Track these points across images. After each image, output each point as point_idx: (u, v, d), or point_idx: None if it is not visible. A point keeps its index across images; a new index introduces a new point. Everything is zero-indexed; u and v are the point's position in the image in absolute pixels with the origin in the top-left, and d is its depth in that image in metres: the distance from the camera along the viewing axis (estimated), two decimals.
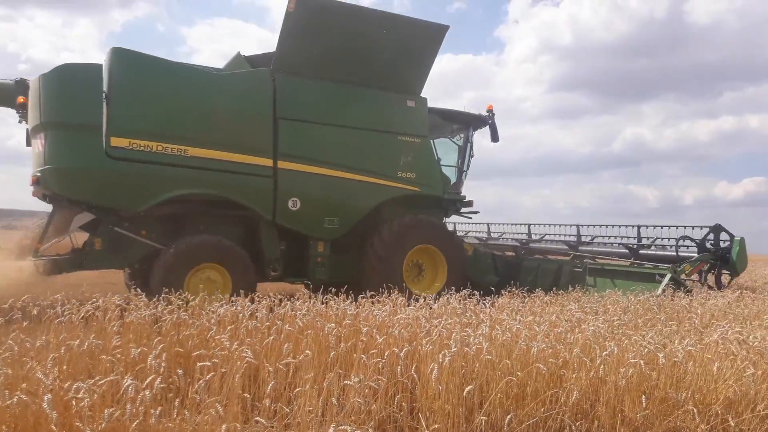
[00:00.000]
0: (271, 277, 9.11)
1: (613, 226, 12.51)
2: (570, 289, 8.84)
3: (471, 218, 11.86)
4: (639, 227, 11.87)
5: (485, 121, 11.24)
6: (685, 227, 11.00)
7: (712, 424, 3.49)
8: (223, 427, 2.49)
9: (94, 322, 4.79)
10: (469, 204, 11.29)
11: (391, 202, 9.93)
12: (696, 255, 10.36)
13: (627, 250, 11.73)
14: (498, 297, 7.32)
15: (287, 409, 3.09)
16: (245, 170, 8.58)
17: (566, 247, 13.02)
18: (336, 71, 9.32)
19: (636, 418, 3.51)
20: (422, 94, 10.25)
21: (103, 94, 7.77)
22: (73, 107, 7.80)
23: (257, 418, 2.78)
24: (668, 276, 9.47)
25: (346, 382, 3.13)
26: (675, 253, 10.70)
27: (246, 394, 3.23)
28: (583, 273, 10.98)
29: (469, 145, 11.46)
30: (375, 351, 3.88)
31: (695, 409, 3.39)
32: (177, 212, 8.52)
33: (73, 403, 2.68)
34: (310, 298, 6.00)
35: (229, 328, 4.36)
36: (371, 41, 9.34)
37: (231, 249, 8.44)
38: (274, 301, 5.75)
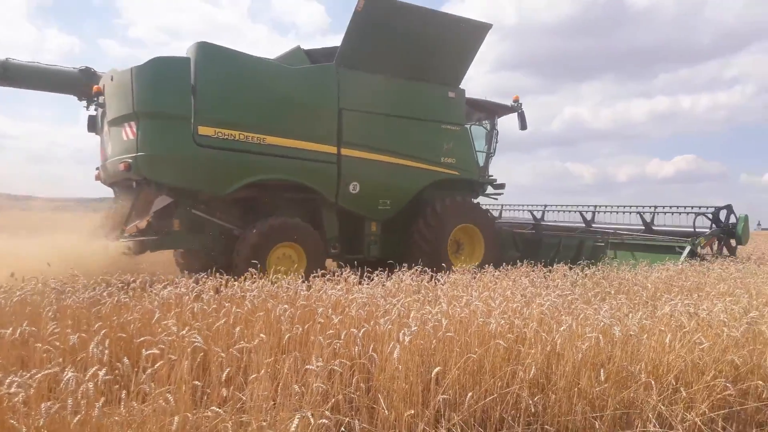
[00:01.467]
0: (331, 255, 10.03)
1: (626, 206, 14.14)
2: (591, 262, 9.77)
3: (497, 199, 13.01)
4: (655, 207, 13.44)
5: (512, 109, 12.29)
6: (699, 207, 12.68)
7: (665, 394, 3.58)
8: (175, 418, 2.36)
9: (29, 308, 4.53)
10: (502, 186, 12.52)
11: (434, 185, 10.93)
12: (708, 230, 12.09)
13: (643, 226, 13.24)
14: (450, 273, 7.34)
15: (241, 396, 2.98)
16: (314, 157, 9.45)
17: (583, 224, 14.42)
18: (390, 65, 10.16)
19: (592, 392, 3.58)
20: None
21: (191, 86, 8.47)
22: (165, 98, 8.43)
23: (212, 407, 2.65)
24: (688, 248, 11.16)
25: (308, 366, 3.03)
26: (689, 229, 12.37)
27: (197, 382, 3.10)
28: (604, 247, 12.54)
29: (495, 131, 12.61)
30: (331, 332, 3.80)
31: (650, 381, 3.48)
32: (250, 196, 9.27)
33: (6, 398, 2.50)
34: (260, 278, 5.85)
35: (174, 311, 4.19)
36: (424, 38, 10.20)
37: (306, 229, 9.31)
38: (220, 282, 5.59)
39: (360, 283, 5.95)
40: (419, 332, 3.70)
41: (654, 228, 13.09)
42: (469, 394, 3.26)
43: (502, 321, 4.06)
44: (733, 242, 12.43)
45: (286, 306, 4.28)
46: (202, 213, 9.02)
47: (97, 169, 10.34)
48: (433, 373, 3.22)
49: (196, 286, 5.06)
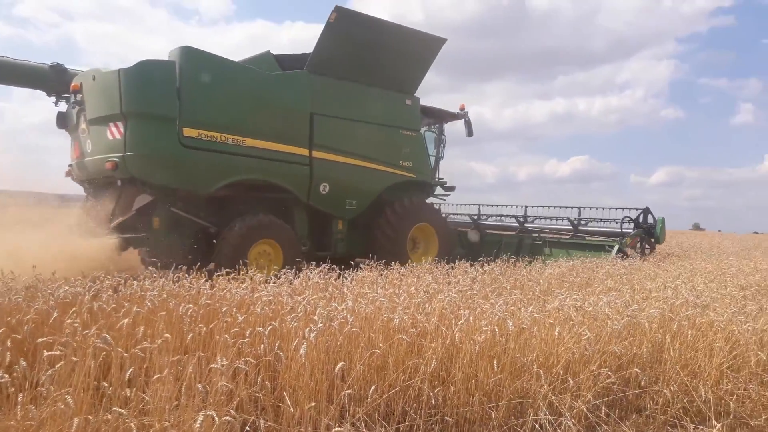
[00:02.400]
0: (302, 252, 10.41)
1: (555, 206, 15.81)
2: (530, 258, 10.66)
3: (444, 200, 14.14)
4: (580, 208, 15.17)
5: (458, 116, 13.44)
6: (618, 208, 14.66)
7: (554, 384, 3.86)
8: (74, 420, 2.32)
9: None
10: (452, 188, 13.68)
11: (393, 186, 11.77)
12: (632, 230, 13.73)
13: (570, 226, 14.84)
14: (357, 271, 7.47)
15: (144, 396, 2.95)
16: (288, 159, 10.10)
17: (516, 224, 15.63)
18: (356, 73, 10.93)
19: (488, 383, 3.80)
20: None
21: (176, 89, 8.83)
22: (153, 100, 8.78)
23: (115, 408, 2.61)
24: (616, 247, 12.75)
25: (212, 365, 3.04)
26: (612, 229, 14.22)
27: (103, 383, 3.03)
28: (541, 245, 14.07)
29: (443, 137, 13.72)
30: (236, 330, 3.81)
31: (540, 371, 3.76)
32: (226, 195, 9.74)
33: None
34: (160, 276, 5.73)
35: (71, 310, 4.03)
36: (387, 49, 11.10)
37: (282, 227, 10.01)
38: (119, 281, 5.42)
39: (267, 281, 5.95)
40: (325, 329, 3.79)
41: (580, 229, 14.78)
42: (372, 388, 3.38)
43: (406, 317, 4.23)
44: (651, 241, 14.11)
45: (190, 305, 4.24)
46: (181, 211, 9.35)
47: (70, 165, 10.47)
48: (337, 369, 3.32)
49: (93, 285, 4.89)
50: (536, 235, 14.75)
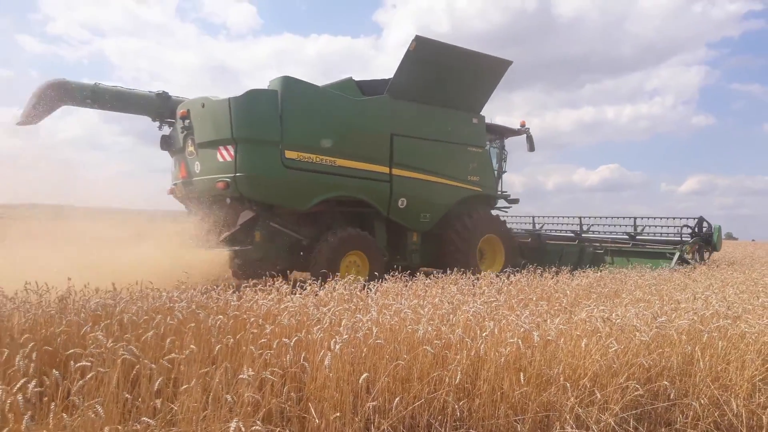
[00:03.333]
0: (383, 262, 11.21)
1: (608, 217, 16.68)
2: (591, 266, 11.89)
3: (506, 212, 14.68)
4: (635, 218, 16.16)
5: (519, 132, 14.42)
6: (672, 217, 15.67)
7: (581, 397, 3.83)
8: (106, 429, 2.39)
9: None
10: (516, 201, 14.44)
11: (462, 200, 12.61)
12: (690, 239, 14.59)
13: (627, 236, 15.76)
14: (382, 282, 7.50)
15: (173, 406, 3.01)
16: (372, 176, 11.01)
17: (573, 234, 16.64)
18: (431, 96, 11.84)
19: (514, 395, 3.78)
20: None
21: (279, 116, 9.84)
22: (260, 126, 9.80)
23: (144, 418, 2.67)
24: (677, 254, 13.66)
25: (241, 376, 3.08)
26: (672, 238, 15.10)
27: (126, 395, 3.10)
28: (602, 254, 15.03)
29: (505, 152, 14.63)
30: (263, 341, 3.86)
31: (567, 384, 3.73)
32: (317, 210, 10.65)
33: None
34: (192, 288, 5.83)
35: (103, 323, 4.13)
36: (459, 72, 11.96)
37: (368, 239, 10.96)
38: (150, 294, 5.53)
39: (293, 293, 6.01)
40: (350, 340, 3.81)
41: (637, 238, 15.69)
42: (397, 399, 3.39)
43: (430, 328, 4.23)
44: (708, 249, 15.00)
45: (220, 316, 4.30)
46: (278, 225, 10.32)
47: (174, 184, 11.59)
48: (362, 380, 3.34)
49: (123, 297, 5.00)
50: (597, 244, 15.60)
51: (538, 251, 14.80)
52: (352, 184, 10.71)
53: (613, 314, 4.99)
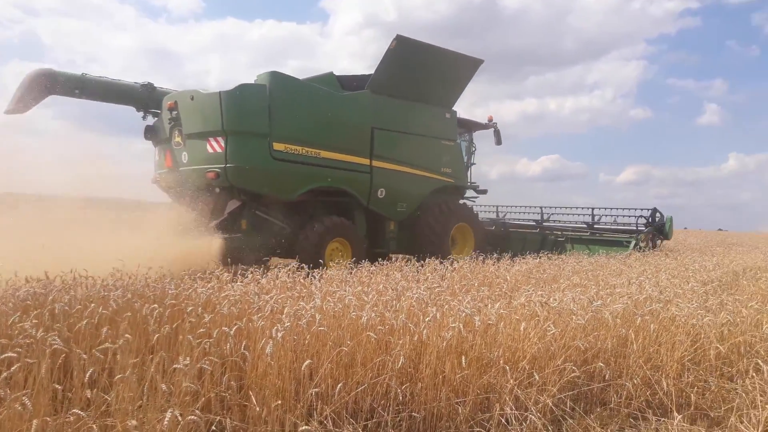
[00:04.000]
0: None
1: (568, 207, 18.02)
2: (554, 252, 12.74)
3: (474, 201, 15.40)
4: (593, 209, 17.28)
5: (486, 126, 15.22)
6: (627, 209, 16.84)
7: (519, 379, 3.92)
8: (33, 422, 2.29)
9: None
10: (484, 191, 15.24)
11: (435, 190, 13.32)
12: (644, 228, 15.77)
13: (585, 225, 16.98)
14: (326, 269, 7.48)
15: (107, 397, 2.92)
16: (354, 168, 11.59)
17: (534, 223, 17.76)
18: (408, 91, 12.48)
19: (455, 378, 3.84)
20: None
21: (267, 109, 10.28)
22: (250, 119, 10.21)
23: (75, 410, 2.58)
24: (633, 242, 14.80)
25: (176, 365, 3.01)
26: (626, 226, 16.29)
27: (57, 386, 2.98)
28: (564, 241, 15.95)
29: (473, 145, 15.38)
30: (202, 330, 3.78)
31: (506, 366, 3.81)
32: (301, 199, 11.07)
33: None
34: (129, 277, 5.66)
35: (34, 313, 3.95)
36: (434, 69, 12.65)
37: (351, 227, 11.60)
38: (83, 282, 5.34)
39: (234, 281, 5.91)
40: (293, 328, 3.78)
41: (594, 227, 16.89)
42: (339, 385, 3.39)
43: (374, 314, 4.24)
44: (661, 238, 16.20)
45: (155, 305, 4.19)
46: (263, 214, 10.78)
47: (159, 174, 11.90)
48: (304, 367, 3.32)
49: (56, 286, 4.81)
50: (558, 232, 16.63)
51: (502, 238, 15.68)
52: (335, 175, 11.24)
53: (551, 299, 5.12)
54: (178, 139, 11.02)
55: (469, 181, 14.93)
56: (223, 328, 3.73)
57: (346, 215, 11.72)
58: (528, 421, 3.66)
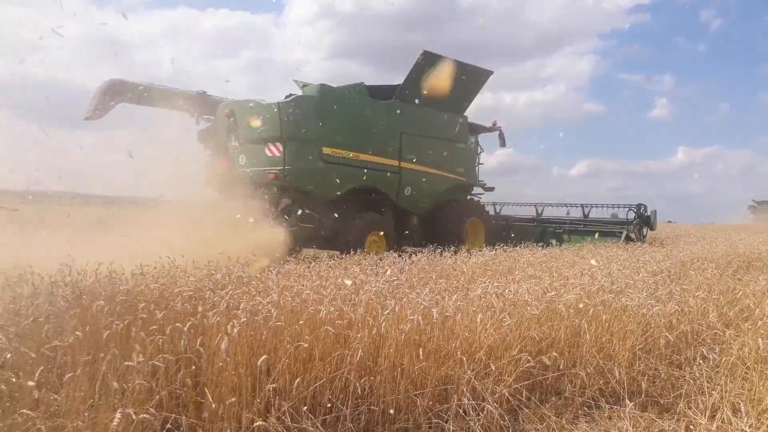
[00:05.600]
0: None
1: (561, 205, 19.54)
2: (552, 243, 15.11)
3: (480, 197, 17.10)
4: (582, 205, 18.83)
5: (491, 130, 16.69)
6: (616, 206, 18.55)
7: (476, 369, 3.98)
8: None
9: None
10: (491, 189, 16.96)
11: (451, 188, 15.01)
12: (633, 220, 17.37)
13: (582, 218, 18.47)
14: (285, 264, 7.44)
15: (57, 397, 2.84)
16: (386, 169, 13.16)
17: (533, 217, 19.42)
18: (429, 100, 13.88)
19: (413, 370, 3.87)
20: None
21: (318, 118, 11.76)
22: (304, 127, 11.65)
23: (22, 411, 2.50)
24: (624, 233, 16.46)
25: (128, 363, 2.95)
26: (614, 219, 18.12)
27: (1, 386, 2.89)
28: (561, 233, 17.59)
29: (480, 147, 16.90)
30: (155, 327, 3.71)
31: (463, 358, 3.87)
32: (341, 198, 12.33)
33: None
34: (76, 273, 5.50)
35: None
36: (452, 80, 14.10)
37: (385, 221, 13.25)
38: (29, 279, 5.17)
39: (188, 276, 5.81)
40: (249, 323, 3.75)
41: (587, 221, 18.47)
42: (297, 380, 3.38)
43: (332, 308, 4.24)
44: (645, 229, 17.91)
45: (101, 302, 4.08)
46: (311, 210, 11.90)
47: (213, 175, 13.03)
48: (260, 362, 3.30)
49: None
50: (556, 225, 18.30)
51: (507, 231, 17.23)
52: (371, 175, 12.77)
53: (507, 290, 5.21)
54: (235, 143, 12.58)
55: (477, 179, 16.61)
56: (176, 324, 3.67)
57: (377, 211, 13.33)
58: (485, 411, 3.73)
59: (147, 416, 2.51)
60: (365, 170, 12.65)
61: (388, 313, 4.17)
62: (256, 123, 11.86)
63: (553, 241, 16.26)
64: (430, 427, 3.81)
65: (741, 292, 6.60)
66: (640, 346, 4.85)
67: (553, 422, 3.94)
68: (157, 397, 3.17)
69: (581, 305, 4.93)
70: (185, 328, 3.58)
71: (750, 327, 4.93)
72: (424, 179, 14.04)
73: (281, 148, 11.60)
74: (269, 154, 11.83)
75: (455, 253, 9.53)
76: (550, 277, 6.78)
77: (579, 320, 4.75)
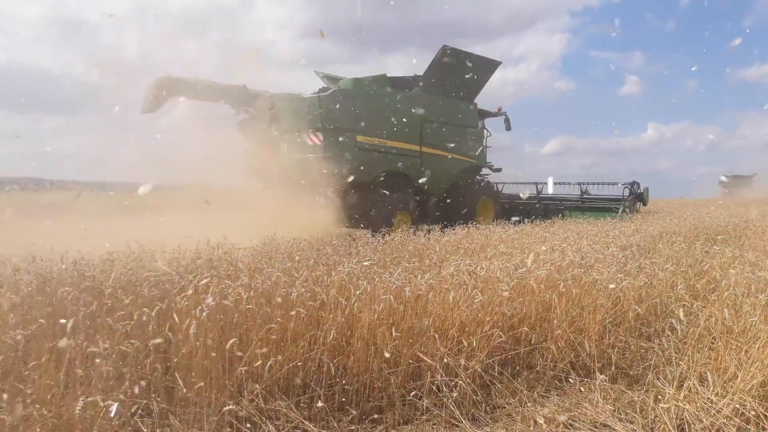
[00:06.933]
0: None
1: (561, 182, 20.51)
2: (555, 217, 16.51)
3: (486, 177, 18.18)
4: (581, 184, 19.68)
5: (496, 115, 17.79)
6: (611, 183, 19.48)
7: (449, 346, 4.02)
8: None
9: None
10: (498, 170, 18.30)
11: (464, 170, 16.47)
12: (627, 196, 18.66)
13: (580, 195, 19.57)
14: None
15: (21, 387, 2.79)
16: (409, 153, 14.52)
17: (534, 194, 20.17)
18: (447, 89, 15.34)
19: (387, 349, 3.89)
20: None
21: (353, 109, 13.08)
22: (342, 117, 12.93)
23: None
24: (621, 208, 17.63)
25: (93, 349, 2.91)
26: (615, 196, 18.99)
27: None
28: (563, 209, 18.80)
29: (487, 131, 17.91)
30: (122, 313, 3.66)
31: (436, 335, 3.90)
32: (374, 181, 13.69)
33: None
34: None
35: None
36: (466, 71, 15.19)
37: (410, 201, 14.48)
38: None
39: (156, 260, 5.74)
40: (219, 307, 3.72)
41: (585, 197, 19.49)
42: (269, 362, 3.38)
43: (304, 290, 4.23)
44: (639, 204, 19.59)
45: (67, 288, 4.01)
46: (347, 193, 13.10)
47: (253, 163, 14.27)
48: (228, 345, 3.29)
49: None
50: (558, 201, 19.60)
51: (512, 207, 18.88)
52: (398, 160, 14.12)
53: (478, 267, 5.25)
54: (276, 133, 13.57)
55: (485, 161, 17.86)
56: (143, 309, 3.62)
57: (403, 192, 14.37)
58: (458, 387, 3.78)
59: (111, 402, 2.48)
60: (393, 155, 14.03)
61: (360, 293, 4.17)
62: (297, 114, 13.15)
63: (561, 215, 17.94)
64: (404, 404, 3.85)
65: (708, 265, 6.74)
66: (610, 320, 4.94)
67: (525, 396, 4.01)
68: (127, 383, 3.14)
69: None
70: (152, 313, 3.54)
71: (716, 298, 5.04)
72: (441, 162, 15.40)
73: (321, 137, 12.88)
74: (310, 142, 13.10)
75: (428, 232, 9.58)
76: (521, 253, 6.83)
77: (550, 295, 4.81)
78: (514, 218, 16.08)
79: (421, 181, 14.83)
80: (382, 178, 13.95)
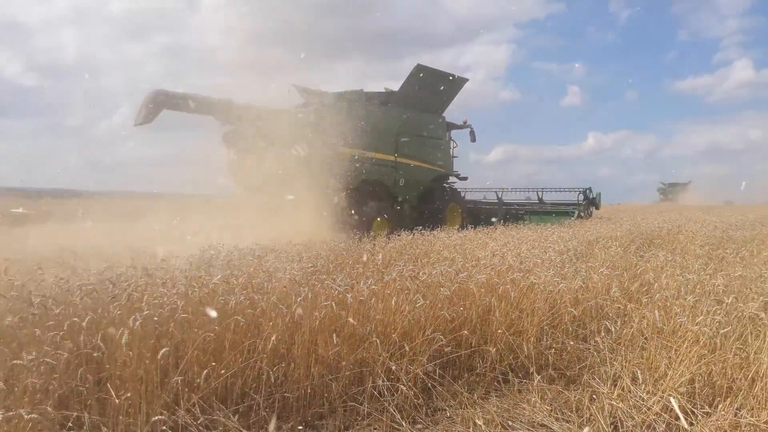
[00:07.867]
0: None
1: (519, 189, 22.36)
2: (514, 222, 17.53)
3: (453, 185, 19.23)
4: (537, 190, 21.67)
5: (462, 127, 18.77)
6: (566, 189, 21.35)
7: (391, 351, 4.04)
8: None
9: None
10: (465, 178, 19.36)
11: (434, 179, 17.48)
12: (582, 202, 20.26)
13: (538, 201, 21.37)
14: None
15: None
16: (385, 163, 15.63)
17: (497, 201, 21.39)
18: (418, 103, 16.58)
19: (328, 355, 3.88)
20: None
21: (336, 124, 13.65)
22: (324, 129, 13.70)
23: None
24: (576, 212, 19.25)
25: (16, 361, 2.79)
26: (570, 201, 20.69)
27: None
28: (524, 214, 20.16)
29: (454, 142, 18.96)
30: (52, 323, 3.53)
31: (377, 341, 3.92)
32: (354, 188, 14.39)
33: None
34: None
35: None
36: (436, 86, 16.76)
37: (388, 208, 15.47)
38: None
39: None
40: (154, 316, 3.63)
41: (543, 202, 21.14)
42: (205, 371, 3.32)
43: (242, 298, 4.17)
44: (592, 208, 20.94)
45: None
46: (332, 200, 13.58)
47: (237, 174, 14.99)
48: (160, 355, 3.21)
49: None
50: (518, 207, 20.91)
51: (477, 213, 20.01)
52: (376, 169, 15.25)
53: (421, 272, 5.30)
54: (262, 144, 14.11)
55: (452, 170, 18.90)
56: (74, 319, 3.50)
57: (380, 199, 15.31)
58: (399, 392, 3.80)
59: (35, 416, 2.39)
60: (371, 165, 15.02)
61: (301, 300, 4.14)
62: (282, 127, 13.78)
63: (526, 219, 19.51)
64: (345, 410, 3.84)
65: (642, 268, 6.99)
66: (548, 322, 5.05)
67: (465, 398, 4.06)
68: (56, 395, 3.03)
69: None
70: (83, 323, 3.42)
71: (648, 300, 5.23)
72: (414, 171, 16.49)
73: (306, 149, 13.71)
74: (295, 153, 13.83)
75: (374, 238, 9.61)
76: (463, 258, 6.94)
77: (489, 299, 4.89)
78: (494, 219, 18.04)
79: (396, 188, 15.99)
80: (361, 187, 14.77)
